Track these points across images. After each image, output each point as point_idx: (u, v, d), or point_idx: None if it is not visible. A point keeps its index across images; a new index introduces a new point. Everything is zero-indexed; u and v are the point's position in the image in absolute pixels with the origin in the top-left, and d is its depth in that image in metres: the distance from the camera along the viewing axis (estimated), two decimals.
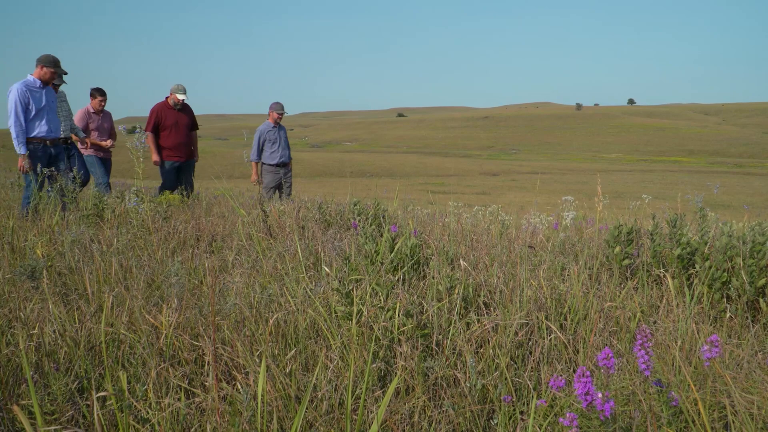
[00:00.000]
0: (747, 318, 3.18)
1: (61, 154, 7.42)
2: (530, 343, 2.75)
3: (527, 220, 6.39)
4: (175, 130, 8.96)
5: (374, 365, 2.46)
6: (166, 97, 9.07)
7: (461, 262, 3.27)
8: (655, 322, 3.01)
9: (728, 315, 3.15)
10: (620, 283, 3.60)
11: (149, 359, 2.51)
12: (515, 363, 2.62)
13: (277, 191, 9.95)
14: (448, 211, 6.03)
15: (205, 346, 2.55)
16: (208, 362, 2.49)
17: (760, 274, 3.28)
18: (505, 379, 2.41)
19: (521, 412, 2.33)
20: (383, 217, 5.02)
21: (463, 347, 2.55)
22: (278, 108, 9.78)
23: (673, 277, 3.50)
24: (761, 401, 2.04)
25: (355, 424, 2.16)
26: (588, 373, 1.57)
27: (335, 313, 2.84)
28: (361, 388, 2.32)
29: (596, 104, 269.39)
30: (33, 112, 6.95)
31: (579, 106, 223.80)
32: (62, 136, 8.20)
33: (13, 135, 6.83)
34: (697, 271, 3.50)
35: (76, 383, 2.36)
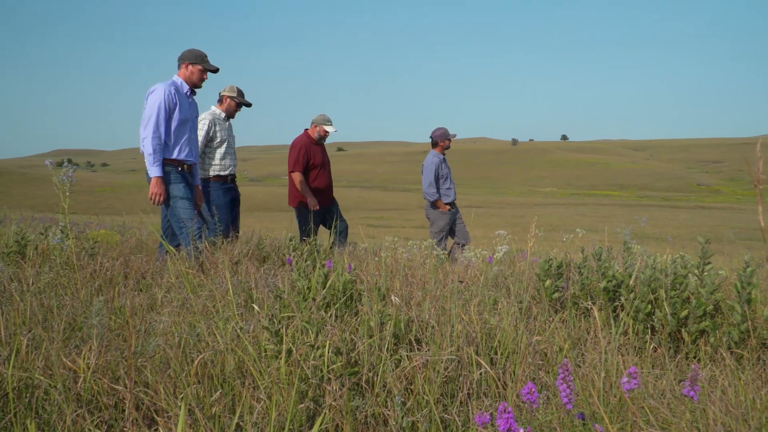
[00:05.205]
0: (670, 348, 3.28)
1: (202, 187, 5.71)
2: (460, 378, 2.75)
3: (462, 254, 6.46)
4: (323, 169, 7.36)
5: (303, 405, 2.41)
6: (306, 130, 7.38)
7: (392, 297, 3.26)
8: (582, 354, 3.06)
9: (652, 346, 3.24)
10: (550, 316, 3.66)
11: (65, 405, 2.39)
12: (445, 398, 2.61)
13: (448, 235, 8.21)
14: (384, 246, 6.04)
15: (124, 391, 2.45)
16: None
17: (683, 306, 3.39)
18: (434, 416, 2.39)
19: None
20: (318, 252, 4.99)
21: (392, 384, 2.53)
22: (449, 135, 8.24)
23: (600, 310, 3.58)
24: None
25: None
26: (510, 408, 1.58)
27: (265, 351, 2.78)
28: (288, 430, 2.27)
29: (531, 140, 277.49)
30: (176, 124, 5.22)
31: (515, 142, 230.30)
32: (229, 172, 6.68)
33: (148, 149, 5.11)
34: (622, 303, 3.59)
35: None
